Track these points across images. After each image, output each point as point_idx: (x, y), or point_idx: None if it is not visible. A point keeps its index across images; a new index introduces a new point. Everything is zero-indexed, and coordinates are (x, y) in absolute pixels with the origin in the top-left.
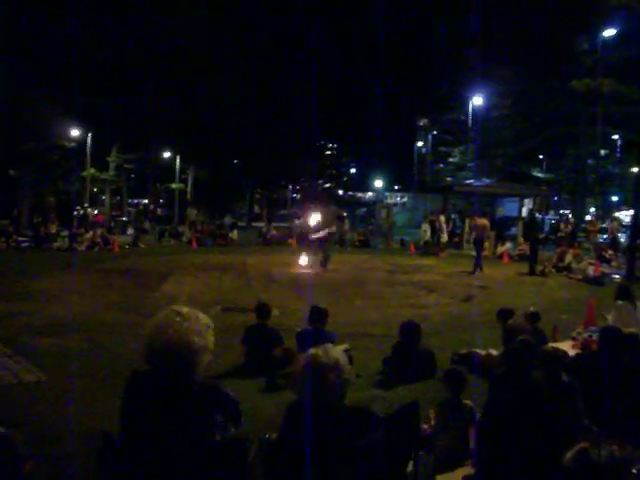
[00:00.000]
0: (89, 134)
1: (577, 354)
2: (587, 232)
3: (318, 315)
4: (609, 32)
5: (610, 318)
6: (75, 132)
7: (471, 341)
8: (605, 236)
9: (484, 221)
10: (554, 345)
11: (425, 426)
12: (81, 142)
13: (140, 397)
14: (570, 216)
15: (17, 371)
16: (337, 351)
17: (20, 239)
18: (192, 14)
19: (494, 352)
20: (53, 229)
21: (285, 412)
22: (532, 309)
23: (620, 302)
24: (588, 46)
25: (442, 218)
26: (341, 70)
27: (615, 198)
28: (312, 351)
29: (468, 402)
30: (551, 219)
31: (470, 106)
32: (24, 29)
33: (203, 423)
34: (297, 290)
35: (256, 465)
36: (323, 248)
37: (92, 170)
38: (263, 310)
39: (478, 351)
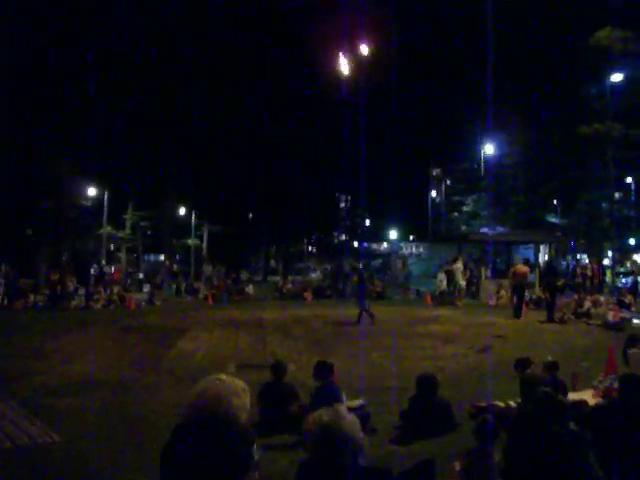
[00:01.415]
0: (105, 192)
1: (597, 403)
2: (584, 276)
3: (321, 370)
4: (616, 77)
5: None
6: (92, 191)
7: (489, 392)
8: (624, 280)
9: (525, 268)
10: (574, 394)
11: None
12: (98, 200)
13: (185, 445)
14: (587, 261)
15: (32, 432)
16: (347, 418)
17: (37, 298)
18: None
19: (513, 404)
20: (69, 287)
21: (297, 472)
22: (550, 358)
23: (632, 350)
24: (596, 91)
25: (459, 265)
26: (354, 124)
27: (632, 241)
28: (319, 414)
29: (492, 451)
30: (568, 265)
31: (482, 155)
32: (42, 88)
33: (242, 455)
34: (313, 344)
35: None
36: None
37: (109, 228)
38: (279, 368)
39: (496, 402)
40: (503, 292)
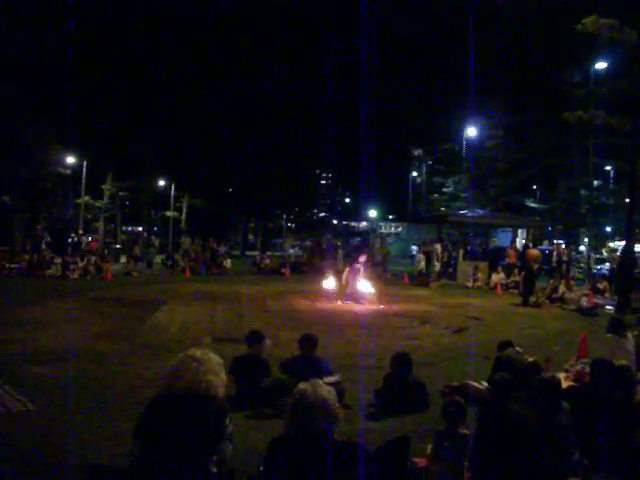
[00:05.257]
0: (84, 162)
1: (569, 386)
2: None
3: (308, 342)
4: (600, 65)
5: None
6: (70, 159)
7: (463, 372)
8: (599, 267)
9: (536, 251)
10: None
11: (417, 459)
12: (76, 169)
13: (162, 417)
14: (564, 246)
15: (5, 400)
16: (325, 388)
17: (13, 266)
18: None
19: (486, 384)
20: (46, 256)
21: (269, 445)
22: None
23: (609, 335)
24: (580, 78)
25: (438, 247)
26: (336, 101)
27: (609, 229)
28: (301, 387)
29: (463, 431)
30: (545, 249)
31: (464, 137)
32: (21, 55)
33: (217, 427)
34: (290, 319)
35: None
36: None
37: (87, 197)
38: (252, 337)
39: (471, 383)
40: (480, 274)
